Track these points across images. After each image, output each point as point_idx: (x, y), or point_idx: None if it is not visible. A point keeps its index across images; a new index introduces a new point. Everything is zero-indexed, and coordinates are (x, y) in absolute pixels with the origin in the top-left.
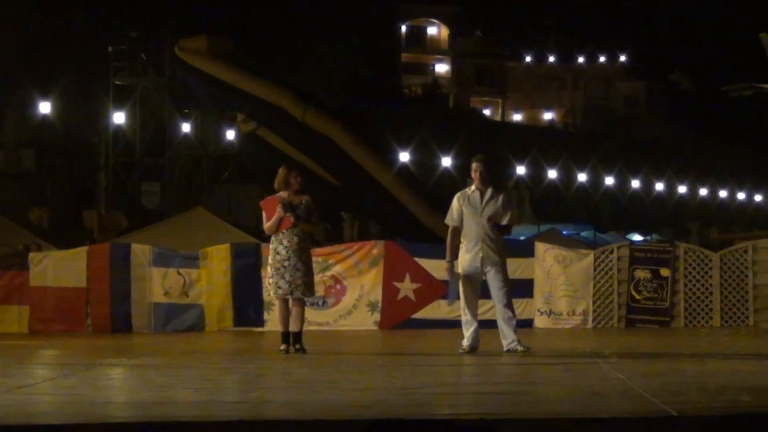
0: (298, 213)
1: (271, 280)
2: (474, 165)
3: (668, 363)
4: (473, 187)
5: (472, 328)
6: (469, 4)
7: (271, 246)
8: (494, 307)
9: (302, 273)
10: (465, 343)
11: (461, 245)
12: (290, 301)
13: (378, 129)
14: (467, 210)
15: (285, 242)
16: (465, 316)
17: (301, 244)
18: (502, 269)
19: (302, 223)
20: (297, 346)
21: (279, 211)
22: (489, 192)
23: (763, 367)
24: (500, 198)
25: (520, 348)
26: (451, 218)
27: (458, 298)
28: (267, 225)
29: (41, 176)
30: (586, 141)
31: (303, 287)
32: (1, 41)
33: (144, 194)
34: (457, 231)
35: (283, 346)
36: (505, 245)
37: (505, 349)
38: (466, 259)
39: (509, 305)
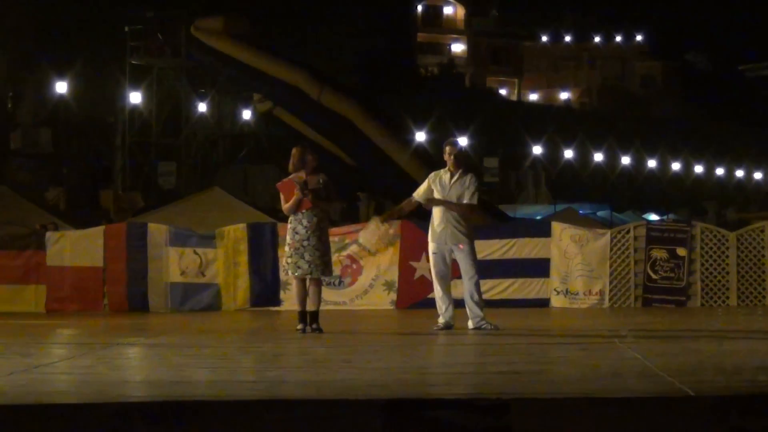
0: (317, 193)
1: (289, 260)
2: (447, 148)
3: (685, 342)
4: (445, 169)
5: (444, 305)
6: None
7: (289, 226)
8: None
9: (321, 252)
10: (440, 320)
11: (430, 226)
12: (307, 281)
13: (394, 109)
14: (436, 190)
15: (305, 222)
16: (437, 293)
17: (321, 224)
18: (470, 249)
19: (321, 203)
20: (314, 326)
21: (297, 193)
22: (459, 173)
23: None
24: (467, 178)
25: (488, 326)
26: (418, 192)
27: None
28: (286, 206)
29: (58, 156)
30: (602, 121)
31: (322, 266)
32: (18, 21)
33: (160, 174)
34: (413, 205)
35: (300, 326)
36: (471, 227)
37: (472, 327)
38: (433, 238)
39: (476, 285)
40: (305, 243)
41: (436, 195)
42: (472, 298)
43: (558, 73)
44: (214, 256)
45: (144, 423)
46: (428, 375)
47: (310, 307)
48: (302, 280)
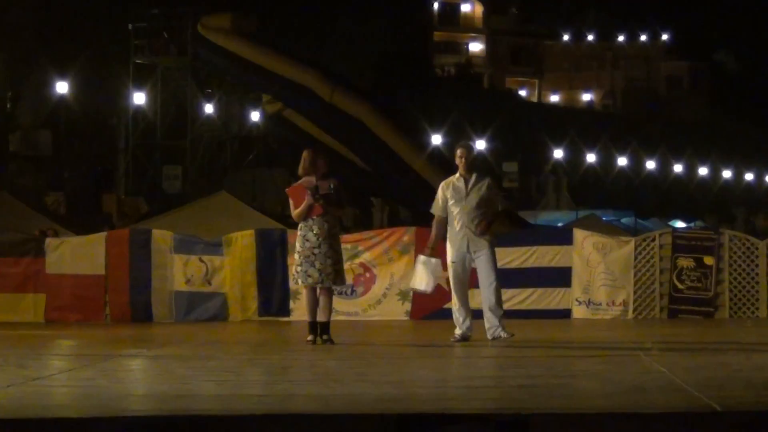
0: (329, 198)
1: (299, 269)
2: (458, 151)
3: (712, 356)
4: (458, 174)
5: (462, 317)
6: None
7: (299, 233)
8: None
9: (333, 261)
10: (457, 332)
11: (448, 233)
12: (318, 290)
13: (409, 110)
14: (451, 197)
15: (315, 229)
16: (455, 303)
17: (332, 231)
18: (490, 255)
19: (333, 209)
20: (324, 337)
21: (308, 199)
22: (474, 177)
23: None
24: (484, 184)
25: (504, 334)
26: (436, 207)
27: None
28: (296, 212)
29: (58, 159)
30: (626, 123)
31: (333, 275)
32: (18, 18)
33: (165, 178)
34: (443, 221)
35: (310, 337)
36: (493, 232)
37: (489, 337)
38: (452, 245)
39: (495, 291)
40: (316, 251)
41: (450, 203)
42: (489, 305)
43: (580, 73)
44: (220, 264)
45: None
46: (444, 389)
47: (320, 317)
48: (313, 290)
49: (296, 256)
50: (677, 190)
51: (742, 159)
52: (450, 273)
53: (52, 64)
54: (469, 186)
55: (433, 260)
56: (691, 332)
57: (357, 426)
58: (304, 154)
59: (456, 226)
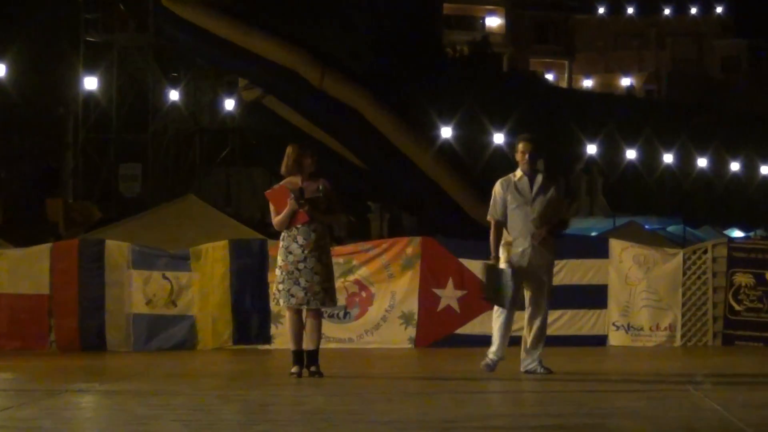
0: (316, 203)
1: (281, 287)
2: (521, 145)
3: None
4: (519, 173)
5: (503, 338)
6: None
7: (281, 244)
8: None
9: (321, 278)
10: (492, 356)
11: (503, 241)
12: (304, 313)
13: (415, 98)
14: (513, 199)
15: (300, 240)
16: (500, 322)
17: (320, 242)
18: (549, 273)
19: (322, 215)
20: (312, 369)
21: (291, 203)
22: (539, 179)
23: None
24: (551, 187)
25: (541, 369)
26: (495, 210)
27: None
28: (277, 220)
29: None
30: (673, 113)
31: (322, 295)
32: None
33: (122, 179)
34: (502, 225)
35: (294, 369)
36: (555, 244)
37: (523, 369)
38: (509, 257)
39: (543, 320)
40: (301, 266)
41: (512, 205)
42: (535, 333)
43: (618, 53)
44: (188, 281)
45: None
46: (453, 431)
47: (307, 345)
48: (298, 312)
49: (278, 271)
50: (734, 193)
51: None
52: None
53: None
54: (535, 188)
55: (504, 267)
56: (751, 362)
57: None
58: (288, 150)
59: (517, 234)
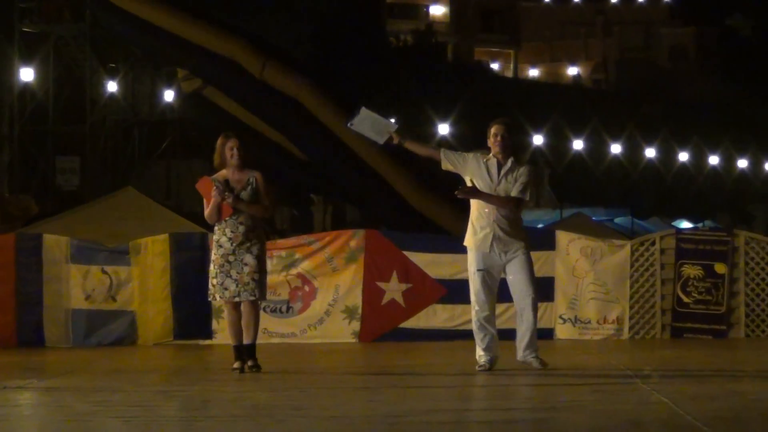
0: (241, 195)
1: (215, 281)
2: (494, 129)
3: (724, 383)
4: (490, 155)
5: (488, 336)
6: None
7: (214, 238)
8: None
9: (251, 268)
10: (482, 357)
11: (468, 228)
12: (242, 306)
13: (356, 88)
14: (479, 179)
15: (228, 233)
16: (478, 321)
17: (250, 234)
18: (527, 260)
19: (247, 207)
20: (249, 363)
21: (215, 196)
22: (509, 163)
23: None
24: (521, 170)
25: (536, 363)
26: (447, 152)
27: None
28: (206, 213)
29: None
30: (621, 103)
31: (252, 285)
32: None
33: (59, 171)
34: (433, 154)
35: (236, 364)
36: (524, 228)
37: (519, 359)
38: (476, 245)
39: (534, 308)
40: (231, 258)
41: (479, 183)
42: (528, 323)
43: (565, 42)
44: (127, 275)
45: None
46: (399, 425)
47: (245, 338)
48: (236, 307)
49: (211, 266)
50: (683, 184)
51: (760, 146)
52: (473, 284)
53: None
54: (502, 172)
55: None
56: (699, 355)
57: None
58: (219, 141)
59: (480, 220)
